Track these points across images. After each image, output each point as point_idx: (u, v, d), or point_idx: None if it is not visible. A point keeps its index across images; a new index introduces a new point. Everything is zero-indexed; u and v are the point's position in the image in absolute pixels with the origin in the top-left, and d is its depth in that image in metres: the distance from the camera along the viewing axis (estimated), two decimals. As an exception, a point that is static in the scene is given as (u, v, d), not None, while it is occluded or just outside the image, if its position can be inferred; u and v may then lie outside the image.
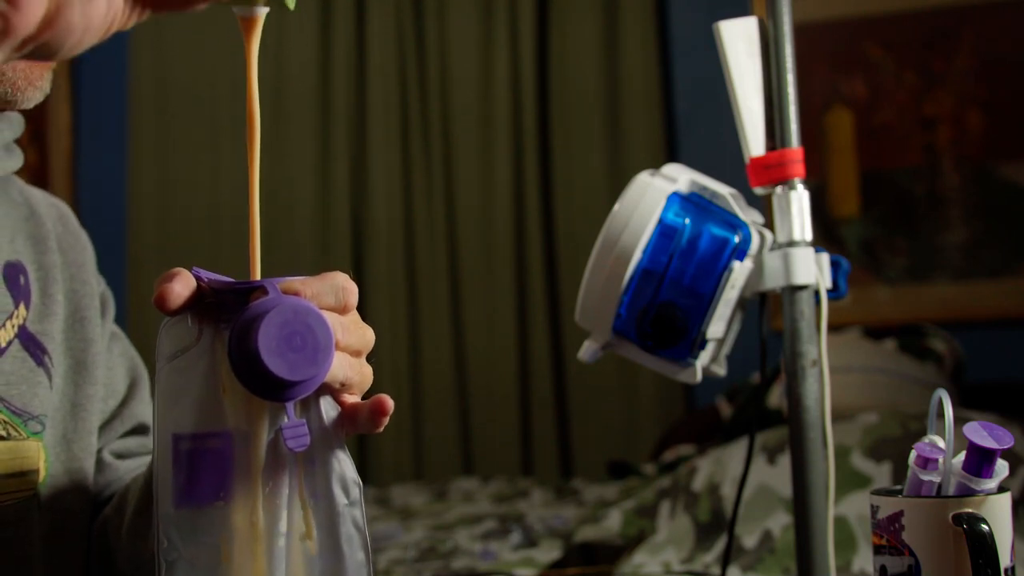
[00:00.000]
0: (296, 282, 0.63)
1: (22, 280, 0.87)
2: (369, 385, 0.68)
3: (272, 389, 0.61)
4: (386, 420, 0.66)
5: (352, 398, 0.67)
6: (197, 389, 0.63)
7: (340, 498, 0.65)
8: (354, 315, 0.67)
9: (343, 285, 0.65)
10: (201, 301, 0.63)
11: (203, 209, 3.56)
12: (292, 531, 0.64)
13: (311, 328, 0.60)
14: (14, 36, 0.53)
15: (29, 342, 0.86)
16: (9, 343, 0.84)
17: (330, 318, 0.62)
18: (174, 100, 3.63)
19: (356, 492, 0.66)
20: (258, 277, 0.67)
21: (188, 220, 3.58)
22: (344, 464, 0.66)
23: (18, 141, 0.90)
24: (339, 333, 0.63)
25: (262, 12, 0.65)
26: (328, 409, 0.66)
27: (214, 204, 3.55)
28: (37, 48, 0.55)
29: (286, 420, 0.62)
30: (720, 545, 1.75)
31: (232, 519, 0.63)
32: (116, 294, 1.01)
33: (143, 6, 0.57)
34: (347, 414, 0.67)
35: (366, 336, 0.67)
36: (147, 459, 0.98)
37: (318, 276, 0.65)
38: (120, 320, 1.00)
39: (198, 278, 0.63)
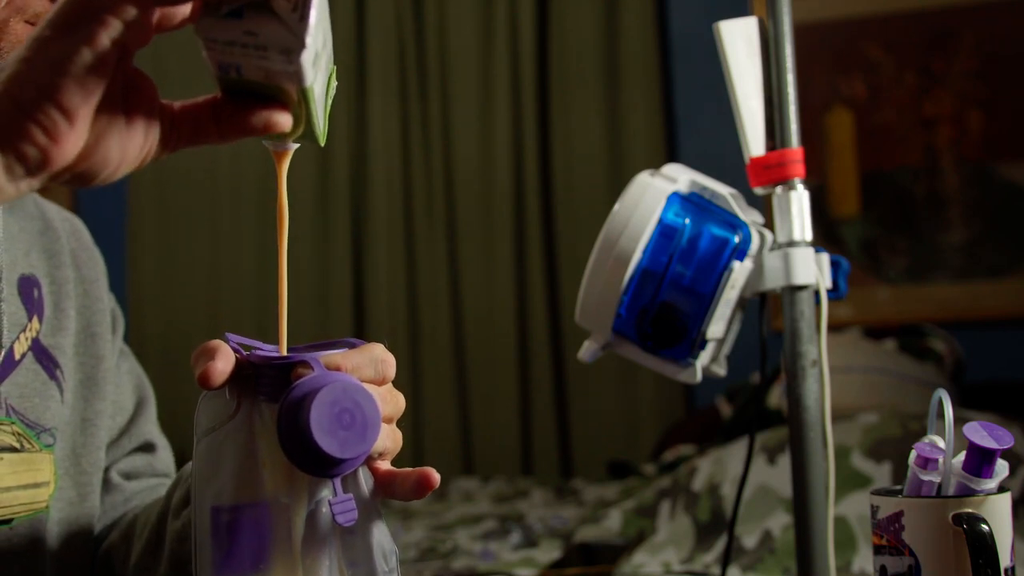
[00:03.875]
0: (337, 356, 0.64)
1: (36, 293, 0.87)
2: (399, 449, 0.69)
3: (323, 466, 0.62)
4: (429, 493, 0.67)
5: (384, 464, 0.68)
6: (236, 462, 0.64)
7: (381, 566, 0.66)
8: (388, 384, 0.68)
9: (381, 357, 0.67)
10: (238, 373, 0.64)
11: (202, 207, 3.57)
12: None
13: (360, 405, 0.61)
14: (50, 168, 0.54)
15: (42, 355, 0.86)
16: (23, 355, 0.84)
17: (372, 391, 0.63)
18: (173, 96, 3.62)
19: (394, 560, 0.66)
20: (285, 349, 0.68)
21: (188, 215, 3.58)
22: (382, 531, 0.66)
23: None
24: (380, 405, 0.64)
25: (293, 146, 0.67)
26: (365, 478, 0.67)
27: (214, 201, 3.55)
28: (72, 178, 0.56)
29: (334, 495, 0.63)
30: (720, 545, 1.75)
31: None
32: (115, 291, 1.01)
33: (176, 141, 0.59)
34: (382, 481, 0.67)
35: (399, 403, 0.68)
36: (154, 481, 0.99)
37: (356, 349, 0.66)
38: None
39: (235, 350, 0.64)
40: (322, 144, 0.65)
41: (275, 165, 0.67)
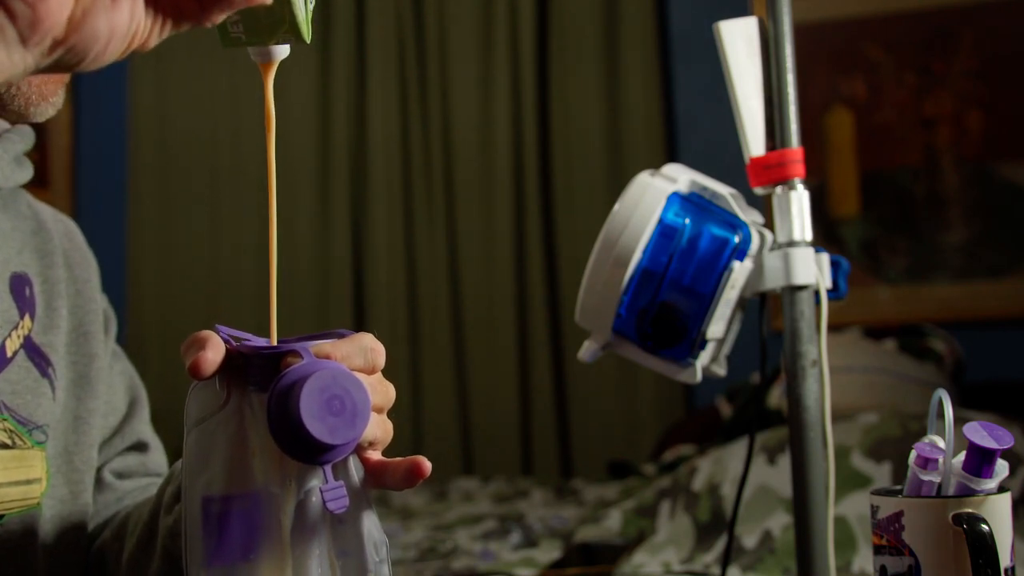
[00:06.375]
0: (326, 345, 0.65)
1: (28, 292, 0.87)
2: (390, 440, 0.69)
3: (312, 453, 0.62)
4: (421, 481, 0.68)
5: (375, 454, 0.68)
6: (226, 451, 0.64)
7: (371, 555, 0.66)
8: (378, 374, 0.68)
9: (371, 346, 0.67)
10: (229, 363, 0.64)
11: (202, 207, 3.57)
12: None
13: (349, 392, 0.61)
14: (41, 31, 0.54)
15: (34, 353, 0.86)
16: (15, 353, 0.84)
17: (362, 380, 0.63)
18: (174, 99, 3.63)
19: (384, 550, 0.67)
20: (275, 339, 0.68)
21: (188, 214, 3.58)
22: (373, 522, 0.66)
23: (28, 154, 0.90)
24: (370, 394, 0.64)
25: (279, 57, 0.67)
26: (356, 468, 0.67)
27: (214, 201, 3.55)
28: (65, 53, 0.56)
29: (324, 482, 0.63)
30: (720, 545, 1.75)
31: None
32: (114, 290, 1.01)
33: (164, 19, 0.59)
34: (373, 471, 0.68)
35: (389, 393, 0.69)
36: (146, 480, 0.99)
37: (346, 338, 0.66)
38: (118, 324, 1.00)
39: (225, 340, 0.64)
40: (308, 40, 0.64)
41: (261, 76, 0.67)
